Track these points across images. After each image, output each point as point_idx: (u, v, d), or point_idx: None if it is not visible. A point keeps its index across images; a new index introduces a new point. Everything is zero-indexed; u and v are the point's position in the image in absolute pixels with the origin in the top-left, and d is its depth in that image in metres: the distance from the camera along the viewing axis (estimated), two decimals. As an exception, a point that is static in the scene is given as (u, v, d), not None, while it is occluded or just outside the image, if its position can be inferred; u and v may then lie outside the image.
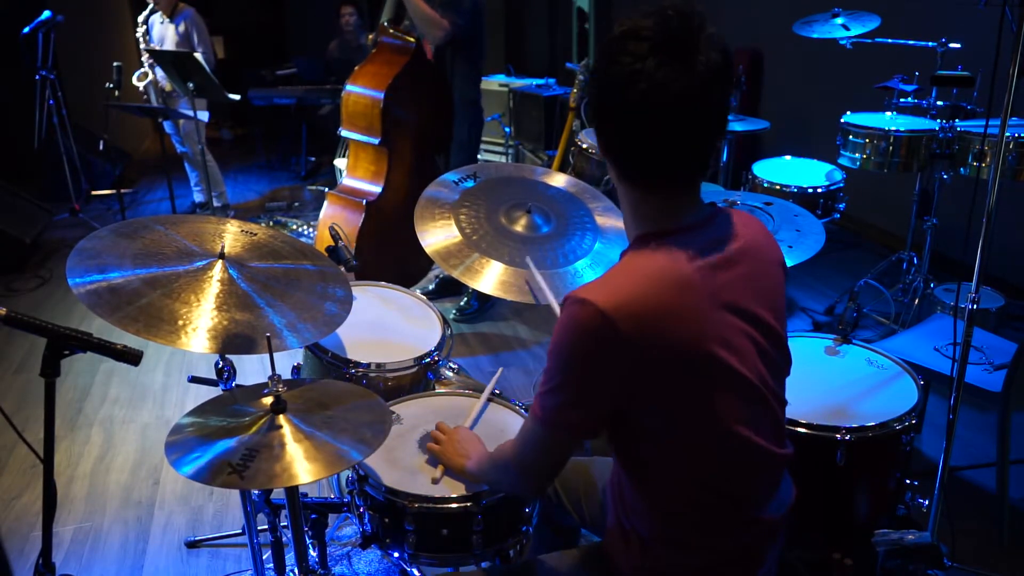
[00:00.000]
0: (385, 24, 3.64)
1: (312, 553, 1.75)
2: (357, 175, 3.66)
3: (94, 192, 6.02)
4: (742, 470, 1.23)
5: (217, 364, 1.73)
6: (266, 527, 1.79)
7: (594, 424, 1.21)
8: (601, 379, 1.14)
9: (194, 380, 1.96)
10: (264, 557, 1.95)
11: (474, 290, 3.47)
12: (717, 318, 1.15)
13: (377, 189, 3.57)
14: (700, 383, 1.15)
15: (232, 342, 1.49)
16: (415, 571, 1.79)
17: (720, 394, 1.17)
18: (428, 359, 2.01)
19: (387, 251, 3.59)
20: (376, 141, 3.47)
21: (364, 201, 3.53)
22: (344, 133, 3.62)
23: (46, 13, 4.93)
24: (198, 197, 5.74)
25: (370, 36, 4.04)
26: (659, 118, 1.08)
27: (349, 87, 3.52)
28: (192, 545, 2.40)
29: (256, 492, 1.72)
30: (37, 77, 5.08)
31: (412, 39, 3.56)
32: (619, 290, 1.12)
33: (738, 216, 1.26)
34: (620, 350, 1.10)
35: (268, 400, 1.41)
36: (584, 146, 4.05)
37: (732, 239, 1.21)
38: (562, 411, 1.18)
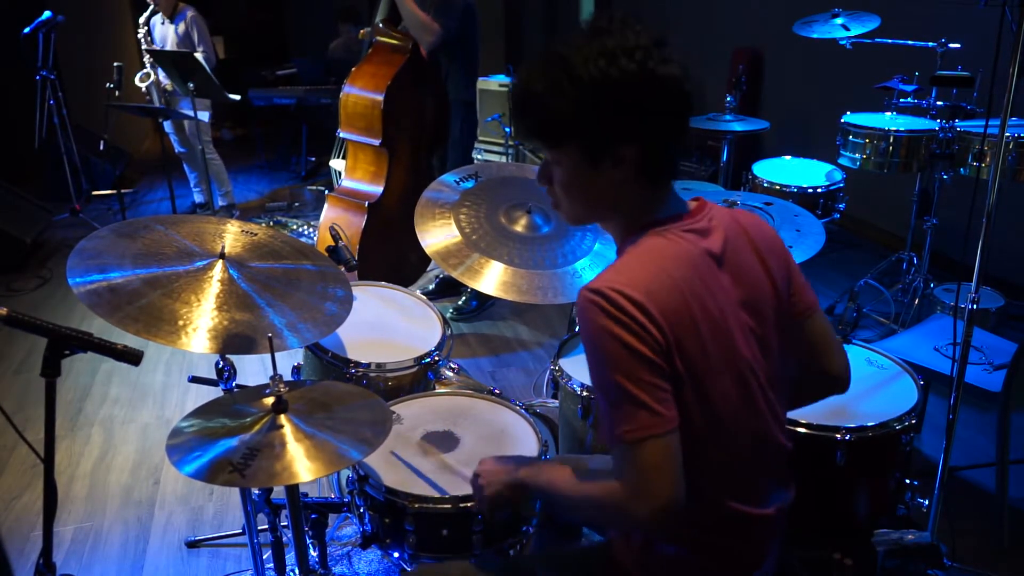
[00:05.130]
0: (380, 24, 3.63)
1: (312, 553, 1.76)
2: (356, 176, 3.65)
3: (94, 192, 6.02)
4: (750, 461, 1.23)
5: (217, 364, 1.73)
6: (266, 527, 1.80)
7: (673, 404, 1.09)
8: (650, 359, 1.08)
9: (194, 380, 1.96)
10: (264, 557, 1.95)
11: (473, 289, 3.47)
12: (725, 306, 1.16)
13: (378, 190, 3.57)
14: (721, 365, 1.15)
15: (232, 342, 1.49)
16: (415, 571, 1.79)
17: (735, 378, 1.17)
18: (428, 359, 2.01)
19: (389, 250, 3.61)
20: (377, 142, 3.47)
21: (366, 203, 3.53)
22: (343, 135, 3.60)
23: (46, 13, 4.93)
24: (198, 198, 5.73)
25: (362, 32, 4.04)
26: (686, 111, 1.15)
27: (348, 88, 3.49)
28: (192, 545, 2.40)
29: (256, 492, 1.72)
30: (37, 77, 5.08)
31: (409, 38, 3.54)
32: (633, 273, 1.11)
33: (728, 211, 1.28)
34: (651, 324, 1.07)
35: (269, 400, 1.41)
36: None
37: (725, 231, 1.23)
38: (642, 415, 1.07)
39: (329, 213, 3.65)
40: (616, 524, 1.25)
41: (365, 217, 3.52)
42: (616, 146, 1.13)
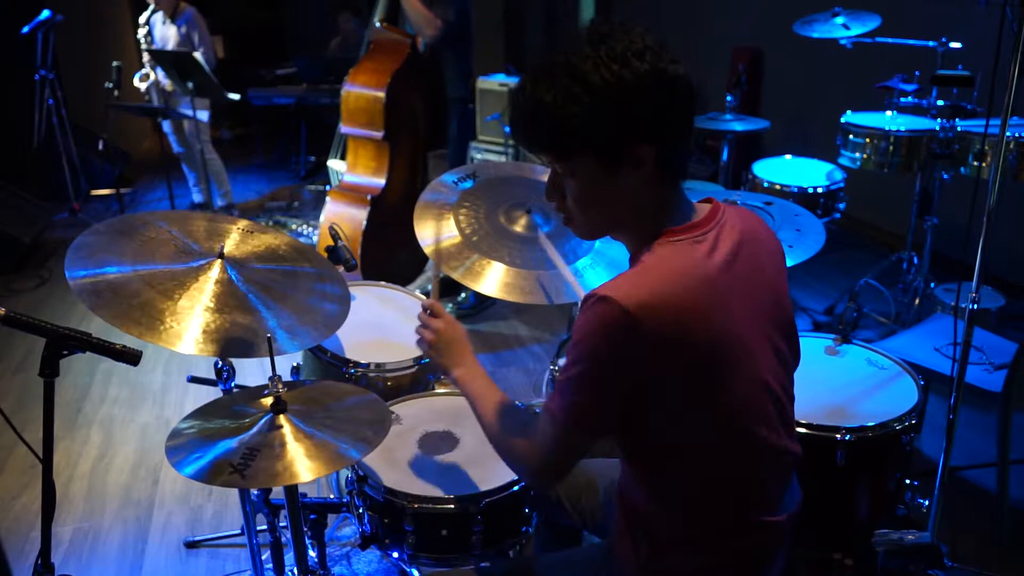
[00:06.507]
0: (379, 22, 3.70)
1: (311, 553, 1.75)
2: (358, 172, 3.70)
3: (93, 192, 6.01)
4: (756, 468, 1.23)
5: (216, 364, 1.72)
6: (265, 527, 1.79)
7: (612, 423, 1.17)
8: (623, 377, 1.11)
9: (193, 380, 1.96)
10: (263, 557, 1.94)
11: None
12: (737, 316, 1.15)
13: (380, 183, 3.63)
14: (720, 381, 1.14)
15: (231, 345, 1.48)
16: (415, 571, 1.79)
17: (738, 392, 1.16)
18: (428, 359, 2.00)
19: (392, 245, 3.65)
20: (379, 135, 3.54)
21: (369, 196, 3.58)
22: (345, 130, 3.67)
23: (45, 13, 4.93)
24: (197, 198, 5.73)
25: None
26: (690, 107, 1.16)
27: (349, 85, 3.57)
28: (191, 545, 2.40)
29: (255, 492, 1.72)
30: (36, 77, 5.07)
31: (408, 35, 3.63)
32: (642, 288, 1.10)
33: (735, 211, 1.27)
34: (643, 348, 1.08)
35: (268, 400, 1.41)
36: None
37: (738, 234, 1.21)
38: (581, 410, 1.15)
39: (331, 208, 3.68)
40: (513, 468, 1.35)
41: (368, 211, 3.57)
42: (633, 149, 1.12)
